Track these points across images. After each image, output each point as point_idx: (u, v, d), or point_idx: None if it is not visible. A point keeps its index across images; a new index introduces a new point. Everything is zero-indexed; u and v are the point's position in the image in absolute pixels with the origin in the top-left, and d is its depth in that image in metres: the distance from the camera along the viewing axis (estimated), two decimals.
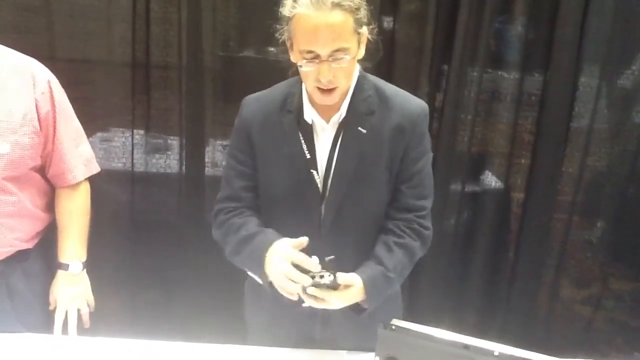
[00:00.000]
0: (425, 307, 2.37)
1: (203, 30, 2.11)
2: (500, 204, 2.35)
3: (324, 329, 1.52)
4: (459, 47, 2.10)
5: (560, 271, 2.40)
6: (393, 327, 1.33)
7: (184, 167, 2.26)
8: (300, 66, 1.30)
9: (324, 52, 1.26)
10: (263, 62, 2.19)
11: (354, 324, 1.43)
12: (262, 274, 1.37)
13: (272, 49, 2.18)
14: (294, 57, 1.34)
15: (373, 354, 1.35)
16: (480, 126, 2.25)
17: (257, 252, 1.37)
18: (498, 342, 1.43)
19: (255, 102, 1.47)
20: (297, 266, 1.30)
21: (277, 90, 1.47)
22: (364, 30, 1.32)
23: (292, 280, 1.28)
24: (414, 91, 2.13)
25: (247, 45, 2.24)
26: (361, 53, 1.35)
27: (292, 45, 1.33)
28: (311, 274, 1.29)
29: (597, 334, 2.45)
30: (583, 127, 2.23)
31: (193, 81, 2.16)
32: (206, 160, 2.27)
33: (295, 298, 1.31)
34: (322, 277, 1.28)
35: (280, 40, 1.37)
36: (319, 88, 1.31)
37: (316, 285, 1.28)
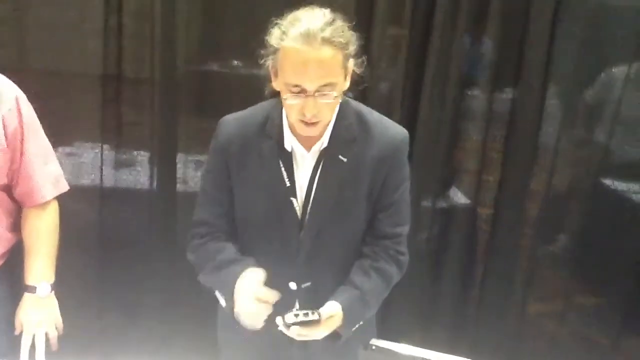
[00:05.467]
0: (396, 324, 2.38)
1: (177, 45, 2.08)
2: (469, 221, 2.39)
3: (301, 352, 1.49)
4: (431, 68, 2.13)
5: (527, 287, 2.45)
6: (373, 347, 1.34)
7: (154, 184, 2.21)
8: (285, 99, 1.28)
9: (311, 87, 1.24)
10: (236, 77, 2.17)
11: (332, 345, 1.41)
12: (229, 300, 1.36)
13: (244, 63, 2.17)
14: (277, 87, 1.32)
15: None
16: (450, 145, 2.29)
17: (229, 279, 1.36)
18: (469, 358, 1.44)
19: (232, 124, 1.43)
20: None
21: (255, 112, 1.44)
22: (351, 63, 1.31)
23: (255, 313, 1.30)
24: (387, 112, 2.16)
25: (220, 61, 2.22)
26: (346, 85, 1.34)
27: (275, 73, 1.31)
28: (295, 312, 1.27)
29: (562, 348, 2.51)
30: (550, 145, 2.29)
31: (165, 96, 2.12)
32: (177, 176, 2.23)
33: (257, 328, 1.32)
34: (306, 314, 1.27)
35: (264, 66, 1.34)
36: (302, 120, 1.29)
37: (300, 324, 1.27)
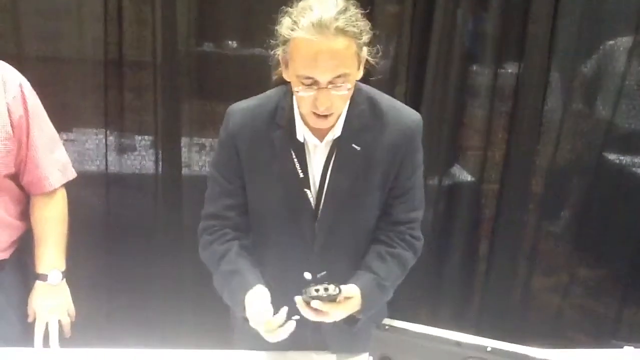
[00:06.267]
0: (402, 300, 2.39)
1: (178, 29, 2.05)
2: (475, 198, 2.40)
3: (315, 335, 1.50)
4: (435, 45, 2.12)
5: (532, 262, 2.47)
6: (386, 327, 1.34)
7: (160, 168, 2.20)
8: (297, 91, 1.25)
9: (324, 79, 1.20)
10: (239, 59, 2.14)
11: (345, 329, 1.42)
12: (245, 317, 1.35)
13: (247, 45, 2.15)
14: (288, 78, 1.29)
15: (365, 355, 1.36)
16: (455, 122, 2.28)
17: (237, 299, 1.35)
18: (475, 332, 1.46)
19: (241, 113, 1.38)
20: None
21: (264, 101, 1.40)
22: (364, 52, 1.27)
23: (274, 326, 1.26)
24: (392, 89, 2.16)
25: (221, 42, 2.19)
26: (359, 75, 1.30)
27: (286, 64, 1.27)
28: (315, 287, 1.27)
29: (566, 320, 2.54)
30: (554, 120, 2.29)
31: (168, 80, 2.10)
32: (182, 160, 2.22)
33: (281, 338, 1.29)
34: (326, 289, 1.27)
35: (274, 58, 1.30)
36: (314, 112, 1.26)
37: (320, 298, 1.26)
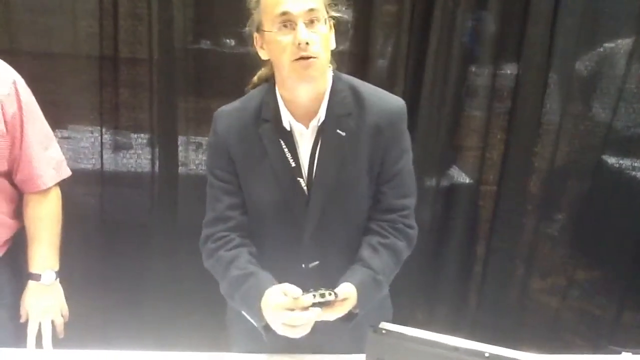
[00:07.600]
0: (399, 302, 2.38)
1: (175, 25, 2.04)
2: (472, 199, 2.39)
3: (310, 336, 1.49)
4: (433, 45, 2.11)
5: (529, 264, 2.46)
6: (383, 331, 1.33)
7: (156, 166, 2.18)
8: (277, 39, 1.25)
9: (297, 9, 1.24)
10: (236, 57, 2.13)
11: (342, 329, 1.40)
12: (258, 320, 1.33)
13: (243, 42, 2.13)
14: (266, 49, 1.32)
15: (362, 356, 1.35)
16: (454, 122, 2.27)
17: (251, 300, 1.32)
18: (471, 334, 1.45)
19: (228, 115, 1.41)
20: None
21: (250, 100, 1.43)
22: (333, 12, 1.32)
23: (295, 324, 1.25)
24: (390, 89, 2.13)
25: (219, 40, 2.17)
26: (333, 42, 1.33)
27: (260, 29, 1.31)
28: (312, 293, 1.25)
29: (563, 323, 2.53)
30: (553, 122, 2.28)
31: (164, 77, 2.09)
32: (179, 158, 2.21)
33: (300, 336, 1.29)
34: (322, 295, 1.26)
35: (248, 31, 1.36)
36: (297, 61, 1.26)
37: (318, 305, 1.26)
